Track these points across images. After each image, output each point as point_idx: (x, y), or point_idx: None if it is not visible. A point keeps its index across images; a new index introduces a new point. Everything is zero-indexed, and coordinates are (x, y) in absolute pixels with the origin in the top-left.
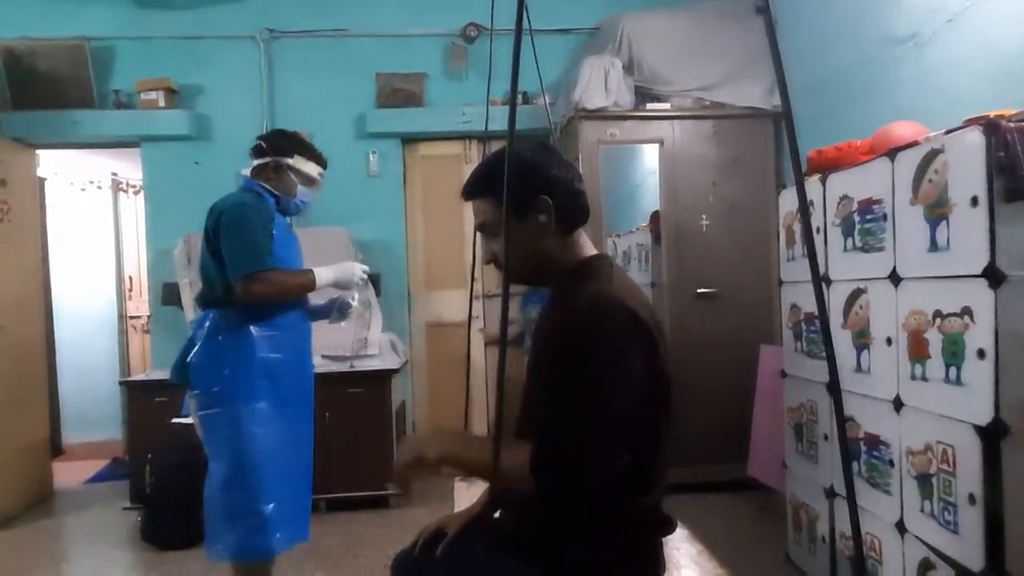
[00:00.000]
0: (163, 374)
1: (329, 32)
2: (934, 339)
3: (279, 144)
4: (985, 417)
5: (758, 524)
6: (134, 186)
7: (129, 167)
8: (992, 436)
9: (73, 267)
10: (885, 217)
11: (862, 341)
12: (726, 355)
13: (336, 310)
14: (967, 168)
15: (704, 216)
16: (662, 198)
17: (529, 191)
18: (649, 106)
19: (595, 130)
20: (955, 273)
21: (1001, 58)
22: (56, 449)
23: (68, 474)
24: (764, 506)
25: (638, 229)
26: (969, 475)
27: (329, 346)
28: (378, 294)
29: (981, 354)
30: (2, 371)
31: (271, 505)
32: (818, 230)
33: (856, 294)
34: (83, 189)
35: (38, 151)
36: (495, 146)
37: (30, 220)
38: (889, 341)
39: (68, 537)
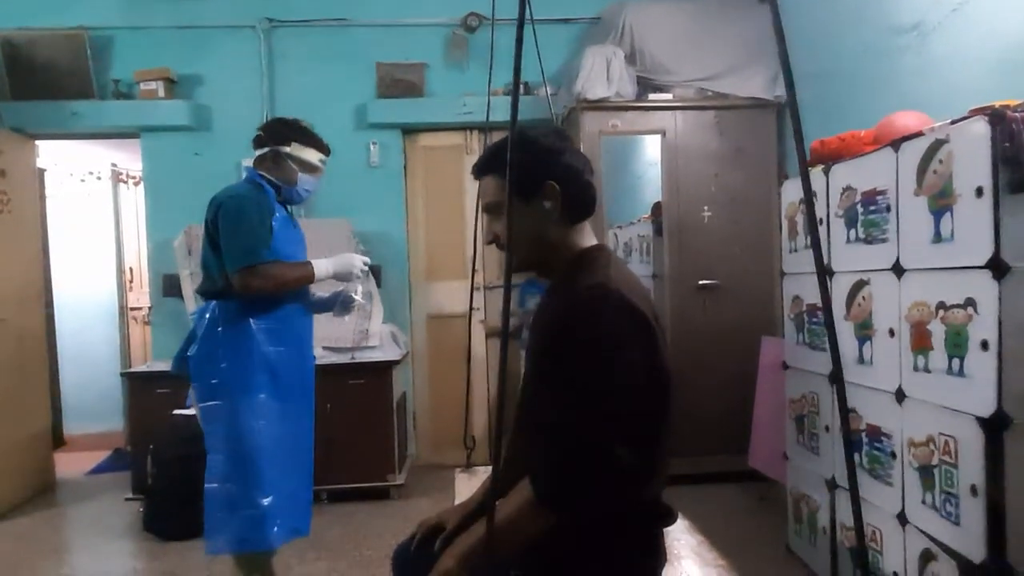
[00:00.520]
0: (164, 365)
1: (329, 21)
2: (937, 331)
3: (277, 133)
4: (988, 409)
5: (759, 515)
6: (134, 177)
7: (129, 158)
8: (994, 428)
9: (73, 258)
10: (889, 208)
11: (864, 333)
12: (727, 347)
13: (339, 304)
14: (972, 158)
15: (706, 207)
16: (664, 189)
17: (538, 175)
18: (651, 96)
19: (597, 121)
20: (959, 264)
21: (1006, 47)
22: (58, 440)
23: (70, 465)
24: (765, 497)
25: (640, 220)
26: (971, 467)
27: (330, 338)
28: (379, 285)
29: (984, 345)
30: (3, 362)
31: (270, 498)
32: (821, 221)
33: (859, 285)
34: (83, 180)
35: (37, 142)
36: (496, 137)
37: (30, 211)
38: (892, 333)
39: (70, 528)
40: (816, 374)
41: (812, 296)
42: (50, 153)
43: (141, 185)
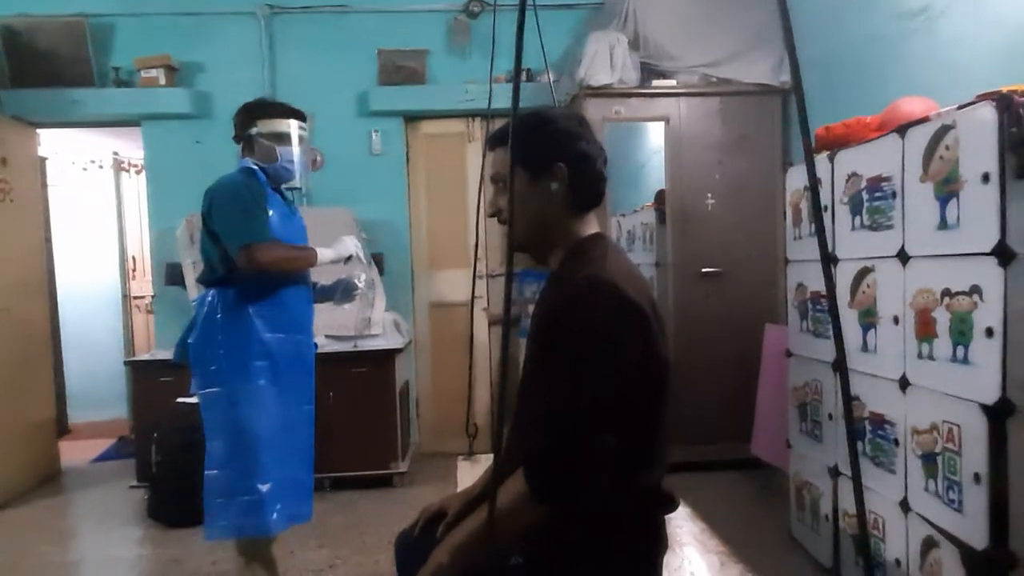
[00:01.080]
0: (167, 354)
1: (330, 8)
2: (942, 318)
3: (241, 121)
4: (992, 396)
5: (761, 503)
6: (136, 165)
7: (130, 146)
8: (999, 415)
9: (76, 247)
10: (894, 195)
11: (869, 320)
12: (730, 334)
13: (341, 291)
14: (979, 144)
15: (710, 195)
16: (667, 177)
17: (550, 155)
18: (655, 83)
19: (600, 108)
20: (964, 251)
21: (1013, 33)
22: (62, 428)
23: (75, 453)
24: (767, 485)
25: (643, 208)
26: (975, 454)
27: (333, 326)
28: (381, 273)
29: (989, 333)
30: (7, 351)
31: (268, 484)
32: (826, 208)
33: (863, 272)
34: (85, 168)
35: (39, 130)
36: (498, 124)
37: (32, 200)
38: (896, 320)
39: (76, 515)
40: (819, 362)
41: (816, 284)
42: (51, 141)
43: (143, 173)
